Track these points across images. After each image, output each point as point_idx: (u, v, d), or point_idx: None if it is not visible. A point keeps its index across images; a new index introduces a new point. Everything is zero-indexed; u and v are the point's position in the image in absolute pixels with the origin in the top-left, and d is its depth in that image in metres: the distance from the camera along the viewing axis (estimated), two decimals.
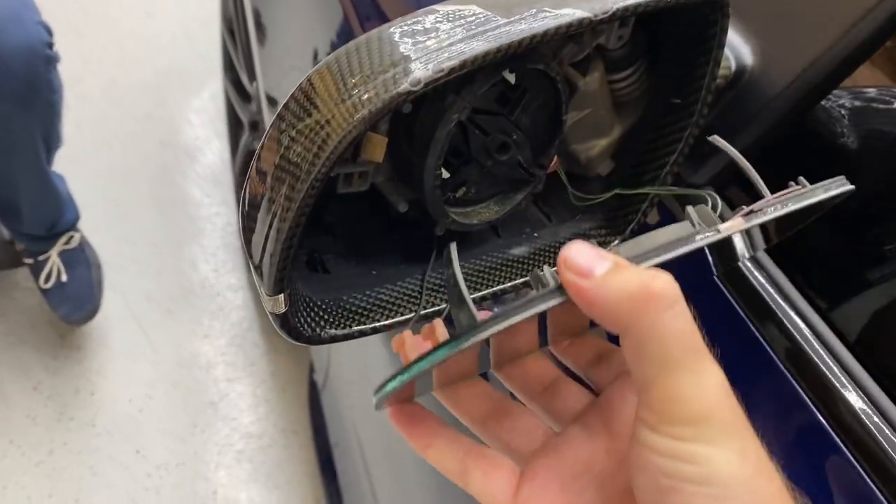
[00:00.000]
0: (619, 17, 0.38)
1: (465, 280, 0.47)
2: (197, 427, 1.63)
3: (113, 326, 1.72)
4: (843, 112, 0.60)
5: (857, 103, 0.60)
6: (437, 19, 0.35)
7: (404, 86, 0.33)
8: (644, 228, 0.48)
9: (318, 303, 0.41)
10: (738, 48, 0.53)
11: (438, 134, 0.40)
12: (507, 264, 0.48)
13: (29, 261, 1.65)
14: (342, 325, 0.42)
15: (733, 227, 0.32)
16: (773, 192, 0.36)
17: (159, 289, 1.82)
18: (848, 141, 0.60)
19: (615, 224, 0.51)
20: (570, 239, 0.51)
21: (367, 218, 0.46)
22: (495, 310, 0.30)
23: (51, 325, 1.69)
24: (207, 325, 1.78)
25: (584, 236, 0.51)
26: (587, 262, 0.27)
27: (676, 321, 0.26)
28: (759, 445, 0.28)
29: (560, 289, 0.28)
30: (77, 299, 1.62)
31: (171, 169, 2.04)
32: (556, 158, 0.48)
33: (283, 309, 0.37)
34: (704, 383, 0.27)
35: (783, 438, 0.47)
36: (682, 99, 0.47)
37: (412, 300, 0.45)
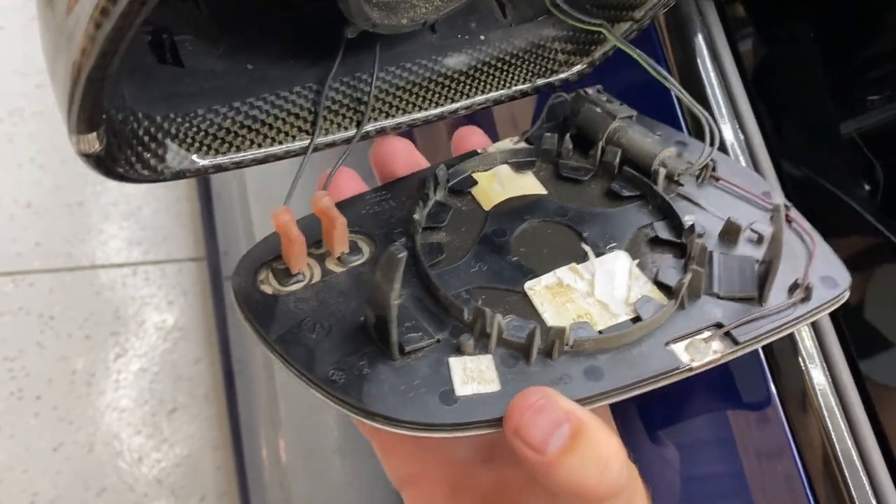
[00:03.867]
0: None
1: (378, 100, 0.35)
2: None
3: None
4: None
5: None
6: None
7: None
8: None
9: (160, 121, 0.28)
10: None
11: None
12: (438, 81, 0.36)
13: None
14: (196, 153, 0.29)
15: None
16: None
17: None
18: None
19: (585, 42, 0.38)
20: (524, 52, 0.38)
21: None
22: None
23: None
24: None
25: (544, 49, 0.39)
26: (541, 435, 0.24)
27: None
28: None
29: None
30: None
31: None
32: None
33: (95, 149, 0.24)
34: None
35: None
36: None
37: (301, 121, 0.32)
